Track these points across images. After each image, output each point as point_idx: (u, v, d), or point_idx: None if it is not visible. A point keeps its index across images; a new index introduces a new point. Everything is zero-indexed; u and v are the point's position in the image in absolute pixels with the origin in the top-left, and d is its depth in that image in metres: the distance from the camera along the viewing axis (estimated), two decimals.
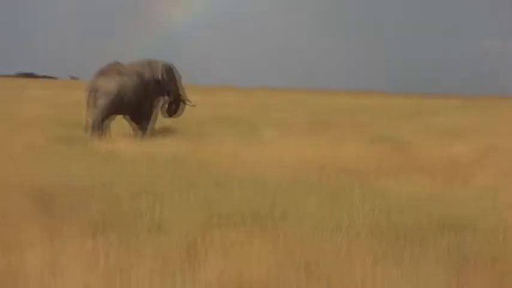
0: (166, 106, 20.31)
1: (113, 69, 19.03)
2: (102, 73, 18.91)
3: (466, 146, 17.45)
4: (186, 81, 21.28)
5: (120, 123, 19.71)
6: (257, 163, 12.81)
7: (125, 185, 9.84)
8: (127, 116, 19.38)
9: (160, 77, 19.67)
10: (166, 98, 20.02)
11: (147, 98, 19.45)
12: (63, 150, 13.80)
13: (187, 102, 20.91)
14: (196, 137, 18.02)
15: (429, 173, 12.36)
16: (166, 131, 20.04)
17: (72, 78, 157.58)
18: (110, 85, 18.52)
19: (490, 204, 9.33)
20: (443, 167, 13.06)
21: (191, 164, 12.62)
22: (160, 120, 21.05)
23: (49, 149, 13.83)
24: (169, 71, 20.06)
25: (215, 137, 18.48)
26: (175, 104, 20.43)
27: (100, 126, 18.18)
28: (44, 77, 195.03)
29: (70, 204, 8.48)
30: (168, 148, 14.99)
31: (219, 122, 24.66)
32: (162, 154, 13.71)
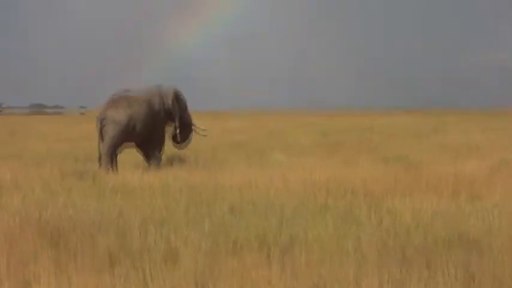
0: (177, 133, 19.91)
1: (122, 97, 18.68)
2: (112, 102, 18.53)
3: (477, 163, 17.49)
4: (193, 108, 21.29)
5: (131, 153, 19.76)
6: (268, 187, 12.92)
7: (137, 217, 9.80)
8: (136, 146, 19.15)
9: (171, 104, 19.38)
10: (176, 124, 19.68)
11: (158, 126, 19.24)
12: (74, 184, 13.87)
13: (200, 130, 20.70)
14: (208, 163, 18.11)
15: (438, 192, 12.41)
16: (177, 159, 20.05)
17: (82, 107, 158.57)
18: (120, 115, 18.19)
19: (497, 222, 9.37)
20: (452, 186, 13.09)
21: (204, 191, 12.67)
22: (171, 148, 21.11)
23: (60, 183, 13.91)
24: (178, 96, 19.78)
25: (226, 162, 18.59)
26: (185, 131, 20.26)
27: (110, 157, 17.89)
28: (55, 107, 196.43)
29: (80, 239, 8.53)
30: (180, 176, 15.02)
31: (229, 147, 24.79)
32: (174, 183, 13.75)
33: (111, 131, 18.10)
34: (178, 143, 20.21)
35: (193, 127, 20.37)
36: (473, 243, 8.37)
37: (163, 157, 19.95)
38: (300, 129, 42.90)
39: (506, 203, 11.01)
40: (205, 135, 21.50)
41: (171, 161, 19.39)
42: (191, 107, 20.58)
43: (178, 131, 19.90)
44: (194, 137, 20.56)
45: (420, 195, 11.64)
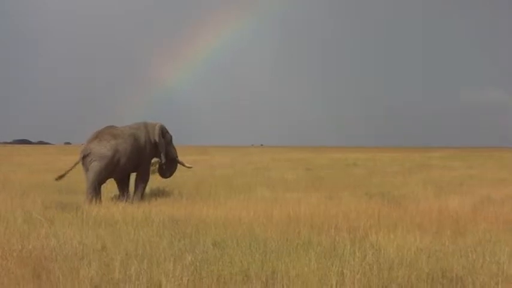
0: (163, 167, 20.30)
1: (107, 132, 18.69)
2: (97, 137, 18.52)
3: (460, 199, 17.61)
4: (180, 142, 21.43)
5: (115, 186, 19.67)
6: (252, 222, 12.89)
7: (119, 250, 9.78)
8: (120, 179, 19.14)
9: (157, 139, 19.55)
10: (161, 159, 19.92)
11: (143, 160, 19.34)
12: (57, 215, 13.79)
13: (186, 164, 21.23)
14: (193, 197, 18.08)
15: (422, 227, 12.45)
16: (162, 192, 20.04)
17: (66, 143, 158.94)
18: (104, 148, 18.20)
19: (481, 260, 9.38)
20: (436, 222, 13.15)
21: (188, 225, 12.64)
22: (156, 181, 21.11)
23: (43, 214, 13.82)
24: (164, 131, 20.01)
25: (210, 196, 18.56)
26: (171, 165, 20.50)
27: (95, 191, 17.75)
28: (40, 142, 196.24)
29: (62, 270, 8.46)
30: (164, 209, 15.01)
31: (214, 182, 24.75)
32: (158, 216, 13.69)
33: (96, 168, 18.05)
34: (165, 176, 20.41)
35: (178, 160, 20.61)
36: (457, 281, 8.38)
37: (148, 189, 19.96)
38: (284, 165, 43.01)
39: (489, 241, 11.04)
40: (190, 167, 22.20)
41: (155, 194, 19.35)
42: (177, 142, 20.79)
43: (164, 166, 20.11)
44: (180, 171, 20.66)
45: (404, 231, 11.64)
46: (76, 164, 18.26)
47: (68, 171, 18.06)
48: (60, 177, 17.90)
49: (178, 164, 20.90)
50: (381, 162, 47.66)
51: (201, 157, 55.63)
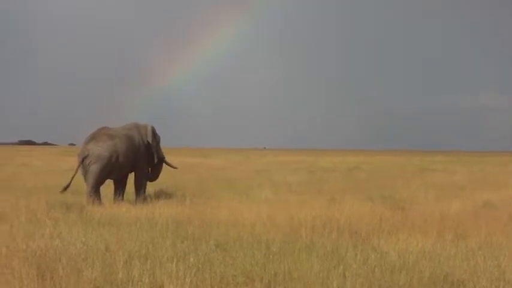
0: (150, 169, 20.35)
1: (103, 133, 18.84)
2: (93, 138, 18.67)
3: (462, 203, 17.64)
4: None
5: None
6: (255, 224, 12.94)
7: (123, 250, 9.81)
8: (118, 180, 19.23)
9: (150, 140, 19.74)
10: (155, 160, 20.05)
11: (139, 160, 19.47)
12: (61, 216, 13.85)
13: (173, 165, 21.49)
14: (196, 199, 18.12)
15: (424, 231, 12.47)
16: (165, 194, 20.07)
17: (71, 144, 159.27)
18: (102, 148, 18.34)
19: (482, 263, 9.42)
20: (438, 225, 13.17)
21: (191, 226, 12.70)
22: (159, 183, 21.16)
23: (47, 214, 13.88)
24: (155, 132, 20.17)
25: (213, 198, 18.60)
26: (158, 166, 20.58)
27: (95, 192, 17.92)
28: (44, 143, 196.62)
29: (66, 270, 8.48)
30: (167, 211, 15.01)
31: (217, 184, 24.82)
32: (161, 217, 13.72)
33: (95, 169, 18.16)
34: (152, 178, 20.36)
35: (165, 161, 20.86)
36: (458, 284, 8.43)
37: (151, 191, 20.05)
38: (286, 167, 43.03)
39: (490, 245, 11.08)
40: (176, 168, 22.32)
41: (158, 196, 19.40)
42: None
43: (150, 169, 20.22)
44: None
45: (406, 235, 11.68)
46: (77, 168, 18.34)
47: (72, 179, 18.11)
48: (66, 188, 17.94)
49: (169, 167, 21.20)
50: (382, 166, 47.70)
51: (202, 160, 55.67)
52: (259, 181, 26.51)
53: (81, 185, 18.34)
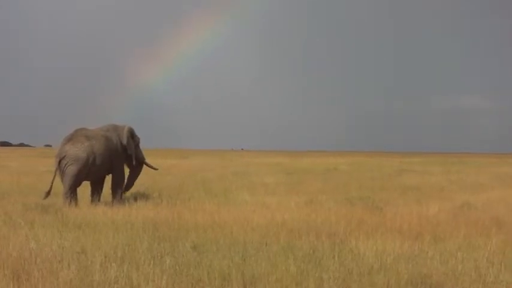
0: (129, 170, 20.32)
1: (80, 134, 18.67)
2: (70, 139, 18.50)
3: (440, 204, 17.67)
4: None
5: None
6: (232, 226, 12.89)
7: (99, 252, 9.75)
8: (95, 181, 19.08)
9: (125, 142, 19.60)
10: (133, 162, 19.96)
11: (117, 162, 19.39)
12: (37, 218, 13.74)
13: (154, 166, 21.50)
14: (173, 201, 18.03)
15: (401, 232, 12.49)
16: (142, 196, 19.98)
17: (47, 146, 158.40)
18: (79, 150, 18.18)
19: (460, 266, 9.42)
20: (416, 227, 13.19)
21: (168, 228, 12.65)
22: (136, 185, 21.03)
23: (22, 216, 13.75)
24: (133, 134, 20.08)
25: (191, 200, 18.53)
26: (138, 169, 20.51)
27: (72, 193, 17.76)
28: (20, 145, 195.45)
29: (42, 273, 8.41)
30: (144, 213, 14.96)
31: (195, 185, 24.73)
32: (138, 219, 13.66)
33: (72, 170, 18.00)
34: (127, 184, 20.17)
35: (146, 162, 20.82)
36: (436, 286, 8.42)
37: (128, 193, 19.93)
38: (264, 169, 43.02)
39: (469, 246, 11.10)
40: (157, 169, 22.31)
41: (135, 197, 19.30)
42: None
43: (129, 169, 20.14)
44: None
45: (383, 236, 11.69)
46: (56, 171, 18.20)
47: (52, 183, 17.96)
48: (48, 193, 17.76)
49: (148, 168, 21.17)
50: (360, 167, 47.83)
51: (180, 161, 55.55)
52: (237, 183, 26.45)
53: (58, 186, 18.17)
